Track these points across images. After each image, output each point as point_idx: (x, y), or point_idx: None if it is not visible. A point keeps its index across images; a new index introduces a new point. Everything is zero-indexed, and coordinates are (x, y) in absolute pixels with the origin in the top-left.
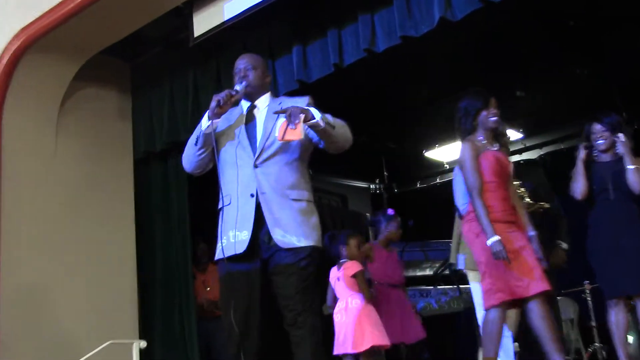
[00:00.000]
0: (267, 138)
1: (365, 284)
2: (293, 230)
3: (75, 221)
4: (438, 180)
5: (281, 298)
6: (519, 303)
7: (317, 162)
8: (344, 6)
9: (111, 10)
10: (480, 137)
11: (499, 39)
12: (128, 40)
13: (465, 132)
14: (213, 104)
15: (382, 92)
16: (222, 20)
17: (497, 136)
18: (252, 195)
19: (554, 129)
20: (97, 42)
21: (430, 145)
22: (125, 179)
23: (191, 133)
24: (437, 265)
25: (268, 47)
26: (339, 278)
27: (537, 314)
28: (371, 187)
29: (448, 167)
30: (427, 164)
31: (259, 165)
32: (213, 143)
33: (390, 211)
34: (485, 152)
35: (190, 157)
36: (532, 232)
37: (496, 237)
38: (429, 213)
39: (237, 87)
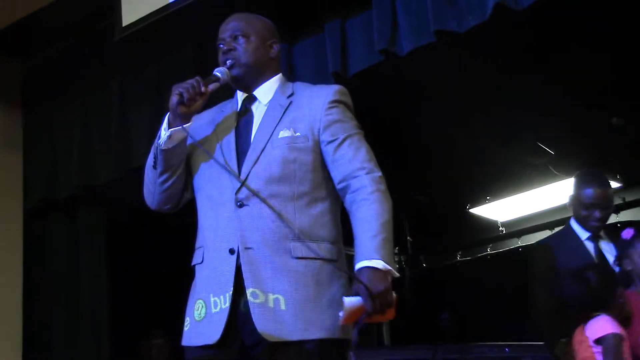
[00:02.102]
0: (259, 155)
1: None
2: (291, 312)
3: None
4: (489, 251)
5: None
6: None
7: None
8: None
9: None
10: None
11: (584, 42)
12: (19, 29)
13: None
14: (174, 100)
15: (404, 118)
16: (167, 2)
17: None
18: (231, 252)
19: None
20: None
21: (476, 198)
22: (10, 238)
23: (117, 173)
24: None
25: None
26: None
27: None
28: None
29: (504, 231)
30: (472, 226)
31: (244, 203)
32: (182, 160)
33: (627, 232)
34: None
35: (150, 186)
36: None
37: None
38: (473, 300)
39: (217, 72)
